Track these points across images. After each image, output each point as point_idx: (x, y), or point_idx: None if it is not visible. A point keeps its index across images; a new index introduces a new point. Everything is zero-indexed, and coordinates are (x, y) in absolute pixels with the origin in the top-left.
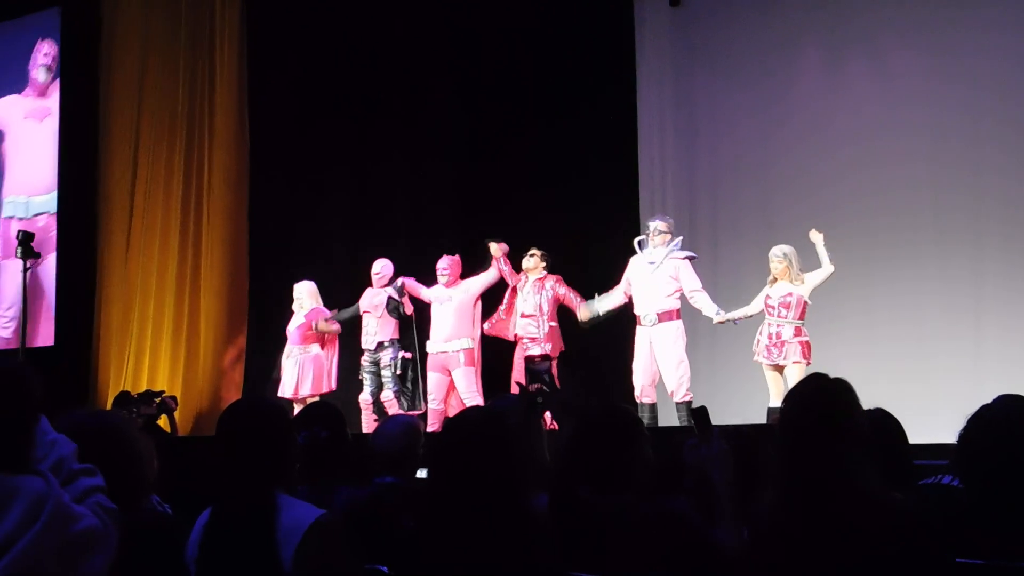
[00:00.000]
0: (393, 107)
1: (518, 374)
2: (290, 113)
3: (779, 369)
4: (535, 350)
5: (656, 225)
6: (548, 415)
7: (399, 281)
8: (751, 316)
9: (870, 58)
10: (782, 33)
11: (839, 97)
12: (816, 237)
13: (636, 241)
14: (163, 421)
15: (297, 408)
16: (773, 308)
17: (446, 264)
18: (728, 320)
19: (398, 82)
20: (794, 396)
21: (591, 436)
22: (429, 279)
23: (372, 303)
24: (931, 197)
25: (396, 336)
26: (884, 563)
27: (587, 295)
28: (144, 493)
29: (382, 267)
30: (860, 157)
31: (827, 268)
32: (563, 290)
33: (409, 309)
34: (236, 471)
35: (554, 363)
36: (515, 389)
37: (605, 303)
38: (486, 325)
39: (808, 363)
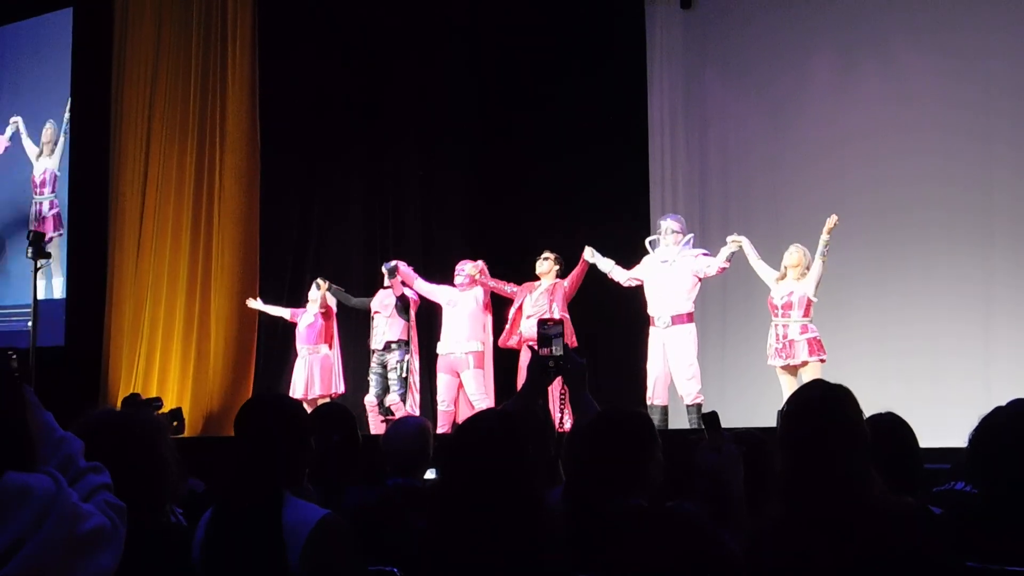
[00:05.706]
0: (405, 109)
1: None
2: (302, 115)
3: (792, 371)
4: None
5: (669, 224)
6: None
7: (392, 263)
8: (755, 265)
9: (880, 59)
10: (793, 34)
11: (849, 97)
12: (831, 222)
13: (648, 241)
14: None
15: (308, 409)
16: (777, 308)
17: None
18: (740, 244)
19: (409, 84)
20: (793, 402)
21: (604, 439)
22: (439, 281)
23: (383, 303)
24: (941, 197)
25: (404, 338)
26: (890, 567)
27: (596, 299)
28: (164, 500)
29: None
30: (870, 157)
31: (817, 265)
32: (567, 283)
33: (399, 292)
34: (246, 467)
35: (567, 328)
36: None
37: (604, 263)
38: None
39: (823, 360)
